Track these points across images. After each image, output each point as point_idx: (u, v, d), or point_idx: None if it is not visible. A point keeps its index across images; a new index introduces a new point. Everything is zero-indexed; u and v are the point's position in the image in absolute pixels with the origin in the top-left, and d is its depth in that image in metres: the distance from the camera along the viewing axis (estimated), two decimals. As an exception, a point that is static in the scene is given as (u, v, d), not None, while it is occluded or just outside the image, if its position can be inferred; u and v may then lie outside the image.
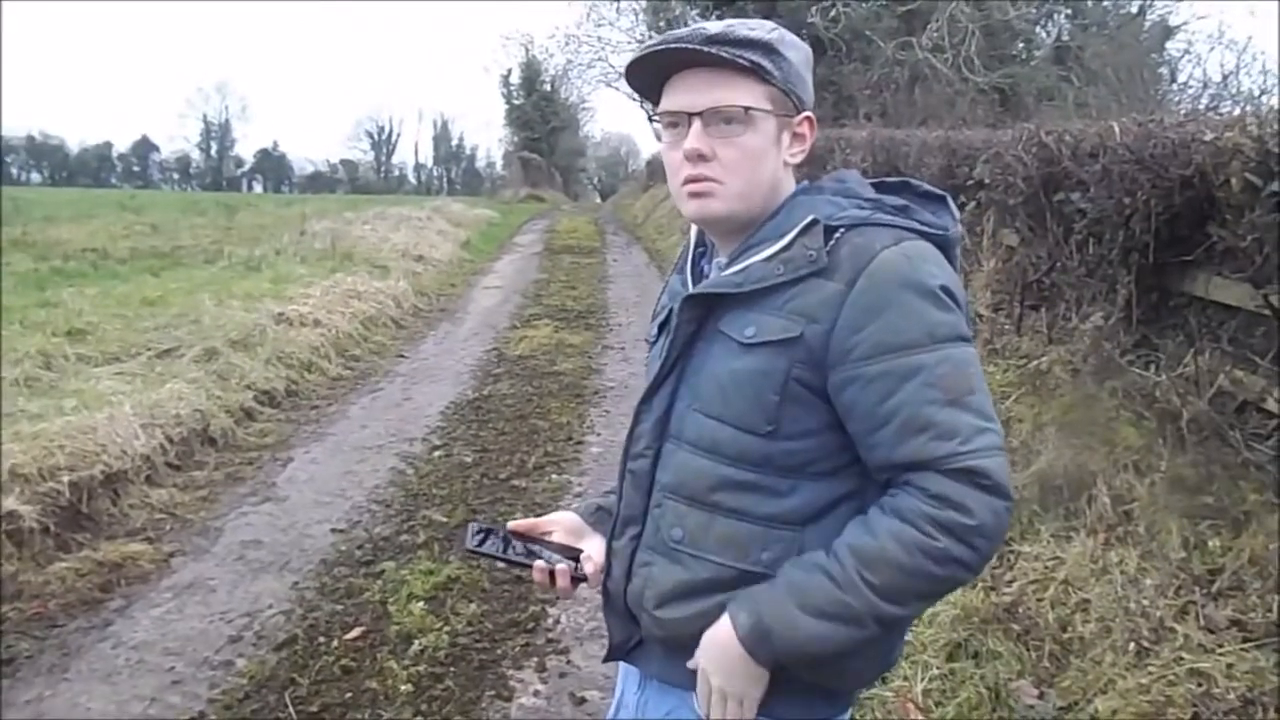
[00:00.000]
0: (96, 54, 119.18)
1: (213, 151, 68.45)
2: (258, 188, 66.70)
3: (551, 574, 1.22)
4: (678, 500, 1.13)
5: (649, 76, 1.14)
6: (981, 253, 5.26)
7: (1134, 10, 15.08)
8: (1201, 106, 4.26)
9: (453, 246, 13.76)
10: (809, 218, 1.07)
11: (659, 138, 1.17)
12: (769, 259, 1.08)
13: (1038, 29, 15.59)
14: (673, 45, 1.09)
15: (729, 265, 1.13)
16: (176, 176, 69.04)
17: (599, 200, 41.70)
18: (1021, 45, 15.24)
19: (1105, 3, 15.69)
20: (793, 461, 1.08)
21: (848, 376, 1.04)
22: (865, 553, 1.01)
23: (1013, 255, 4.88)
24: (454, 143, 68.31)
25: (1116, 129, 3.68)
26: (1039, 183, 4.25)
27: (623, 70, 1.26)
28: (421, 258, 11.81)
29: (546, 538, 1.25)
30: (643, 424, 1.18)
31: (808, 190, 1.15)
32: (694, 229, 1.25)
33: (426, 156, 69.78)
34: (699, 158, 1.09)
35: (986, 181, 4.94)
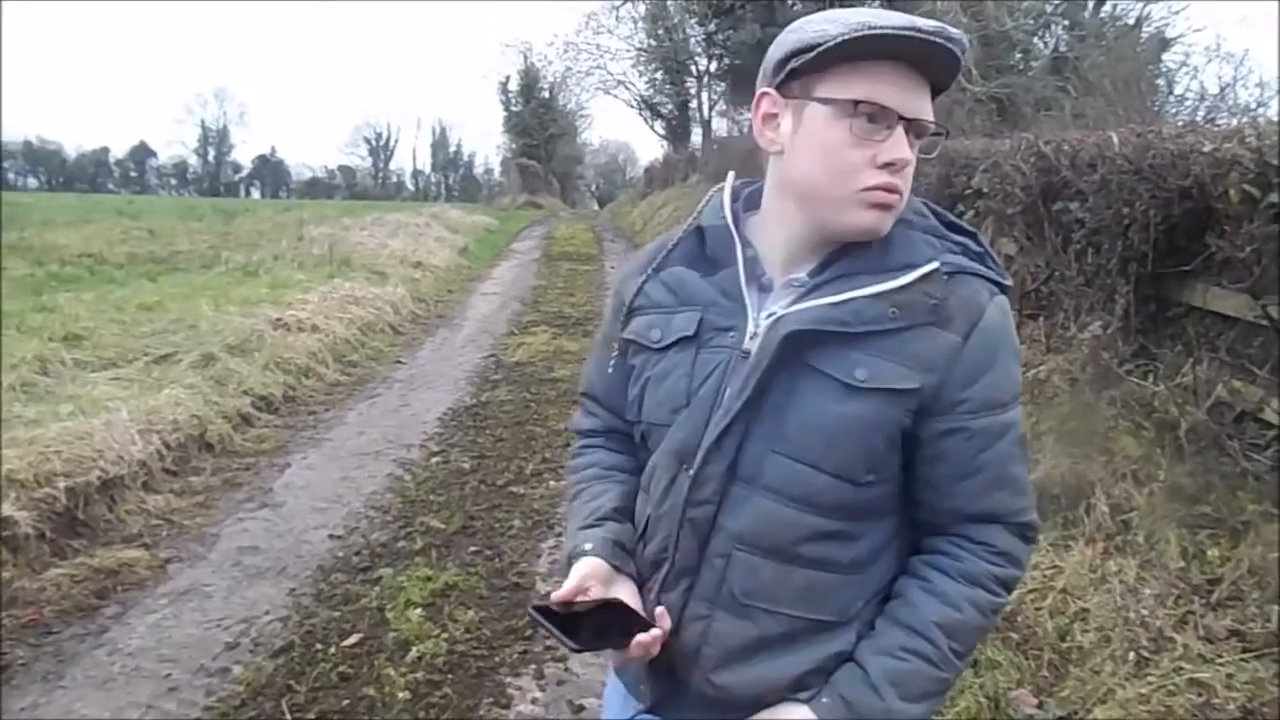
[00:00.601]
0: (94, 59, 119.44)
1: (210, 157, 68.48)
2: (255, 193, 66.79)
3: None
4: (752, 552, 1.03)
5: (833, 55, 0.97)
6: (979, 262, 5.27)
7: (1131, 22, 15.18)
8: (1199, 118, 4.28)
9: (450, 253, 13.77)
10: (931, 264, 1.01)
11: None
12: (878, 297, 1.00)
13: (1035, 39, 15.66)
14: (937, 39, 0.95)
15: (815, 290, 1.02)
16: (174, 182, 69.08)
17: (597, 207, 41.78)
18: (1019, 55, 15.31)
19: (1102, 14, 15.79)
20: (875, 507, 1.05)
21: (953, 427, 1.02)
22: (953, 627, 1.03)
23: (1011, 264, 4.89)
24: (452, 149, 68.44)
25: (1115, 139, 3.70)
26: (1037, 192, 4.27)
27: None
28: (419, 264, 11.82)
29: (587, 595, 1.07)
30: (711, 465, 1.03)
31: (895, 221, 1.05)
32: (730, 220, 1.10)
33: (424, 163, 69.89)
34: (903, 166, 1.00)
35: (985, 191, 4.96)
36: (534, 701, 2.70)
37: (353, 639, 2.99)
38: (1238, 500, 2.72)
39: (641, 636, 1.02)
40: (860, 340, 0.99)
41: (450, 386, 6.49)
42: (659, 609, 1.07)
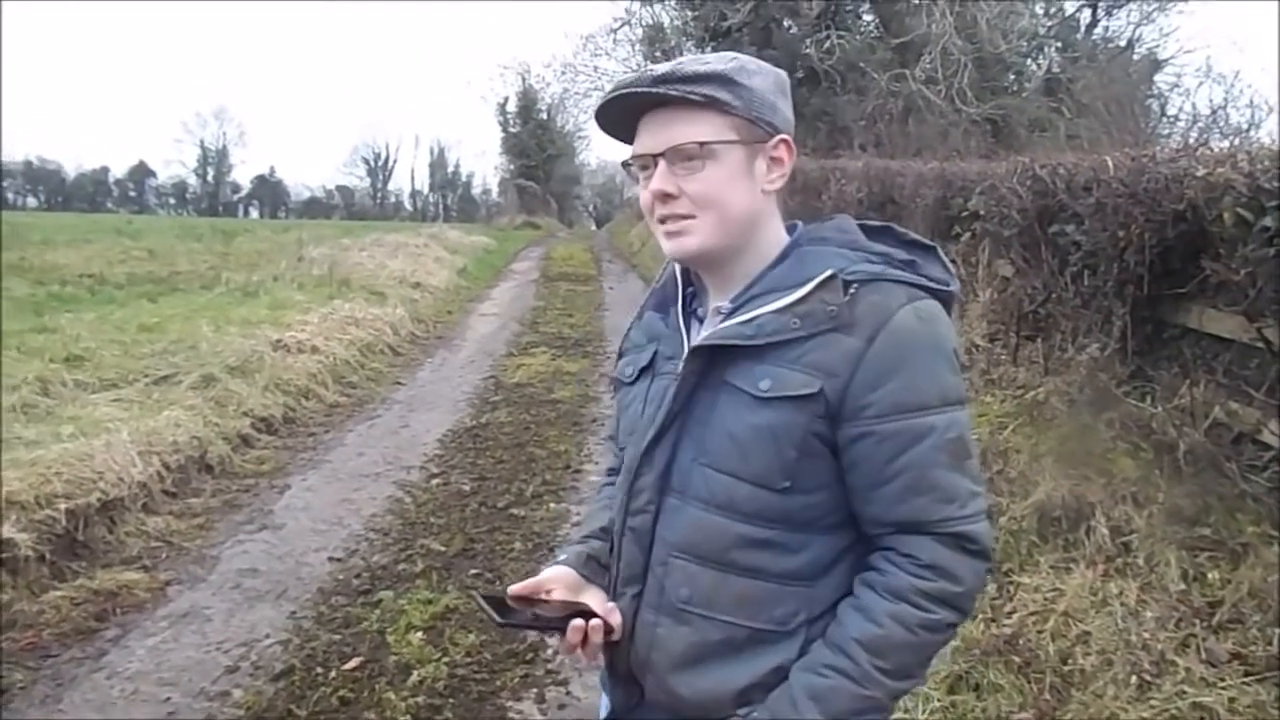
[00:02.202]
0: (94, 79, 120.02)
1: (209, 177, 68.57)
2: (254, 213, 66.85)
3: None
4: (687, 559, 1.09)
5: (620, 123, 1.13)
6: (977, 283, 5.31)
7: (1123, 44, 15.35)
8: (1191, 140, 4.33)
9: (449, 273, 13.80)
10: (826, 271, 1.06)
11: (637, 181, 1.16)
12: (782, 311, 1.05)
13: (1028, 61, 15.82)
14: (624, 91, 1.09)
15: (733, 313, 1.10)
16: (173, 202, 69.16)
17: (594, 228, 41.87)
18: (1013, 77, 15.47)
19: (1095, 36, 15.96)
20: (807, 516, 1.07)
21: (861, 432, 1.04)
22: (872, 643, 1.02)
23: (1008, 286, 4.93)
24: (450, 169, 68.56)
25: (1110, 163, 3.75)
26: (1034, 215, 4.30)
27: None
28: (419, 285, 11.84)
29: (549, 595, 1.16)
30: (644, 478, 1.13)
31: (811, 239, 1.14)
32: (677, 266, 1.22)
33: (422, 183, 69.98)
34: (666, 197, 1.09)
35: (981, 213, 5.00)
36: (535, 725, 2.70)
37: (353, 662, 2.98)
38: (1237, 522, 2.73)
39: (577, 621, 1.11)
40: (765, 352, 1.05)
41: (450, 408, 6.49)
42: (610, 604, 1.16)
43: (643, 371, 1.19)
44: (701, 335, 1.12)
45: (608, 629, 1.13)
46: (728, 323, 1.09)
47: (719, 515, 1.07)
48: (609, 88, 1.21)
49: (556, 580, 1.18)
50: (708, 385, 1.09)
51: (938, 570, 1.02)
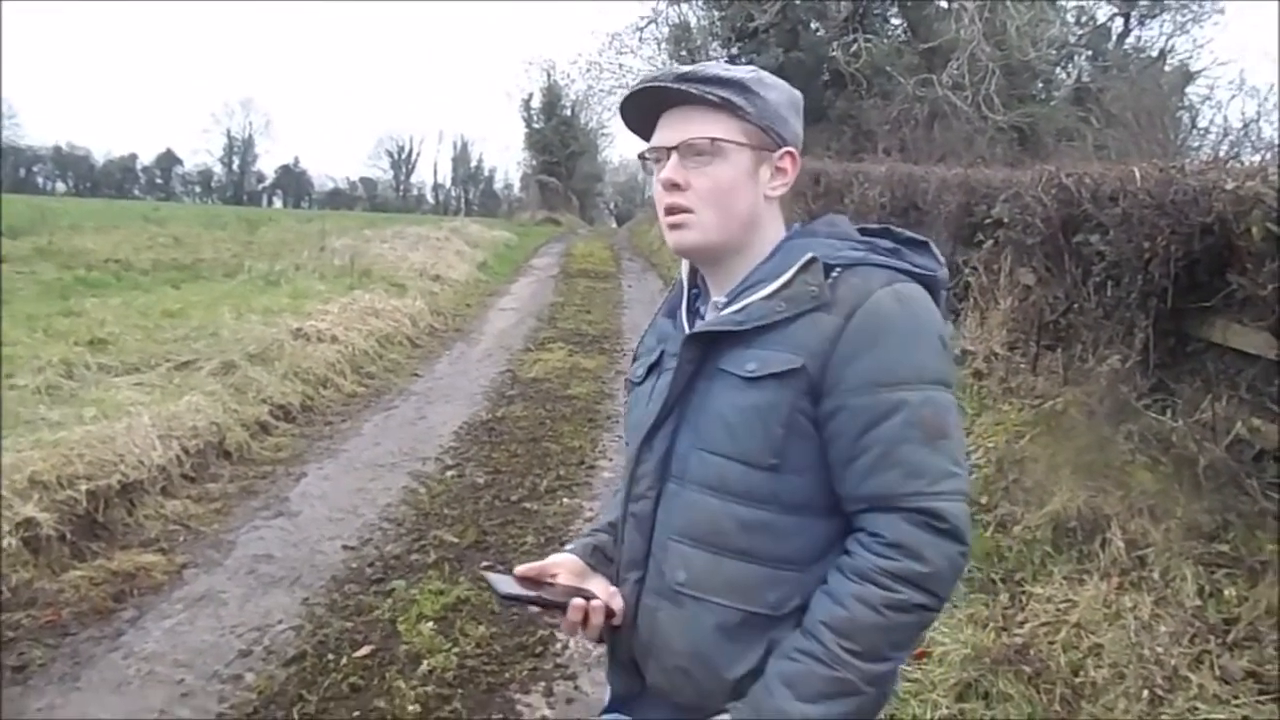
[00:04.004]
0: (124, 67, 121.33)
1: (235, 166, 69.20)
2: (278, 203, 67.37)
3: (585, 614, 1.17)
4: (684, 542, 1.12)
5: (641, 118, 1.20)
6: (998, 291, 5.27)
7: (1154, 54, 15.18)
8: (1222, 153, 4.28)
9: (469, 267, 13.87)
10: (807, 255, 1.11)
11: (652, 174, 1.22)
12: (769, 297, 1.11)
13: (1058, 70, 15.70)
14: (648, 85, 1.16)
15: (727, 305, 1.15)
16: (198, 189, 69.80)
17: (615, 225, 41.93)
18: (1041, 85, 15.34)
19: (1126, 45, 15.80)
20: (798, 498, 1.09)
21: (836, 406, 1.07)
22: (838, 625, 1.03)
23: (1029, 295, 4.89)
24: (473, 164, 68.82)
25: (1137, 174, 3.71)
26: (1058, 224, 4.27)
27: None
28: (439, 277, 11.91)
29: (553, 579, 1.20)
30: (644, 465, 1.17)
31: (801, 234, 1.19)
32: (685, 270, 1.27)
33: (445, 177, 70.34)
34: (673, 187, 1.14)
35: (1005, 220, 4.96)
36: (543, 719, 2.71)
37: (364, 650, 3.01)
38: (1256, 539, 2.70)
39: (577, 600, 1.15)
40: (753, 336, 1.10)
41: (466, 401, 6.53)
42: (614, 588, 1.20)
43: (650, 369, 1.24)
44: (696, 327, 1.17)
45: (609, 612, 1.16)
46: (721, 314, 1.15)
47: (712, 497, 1.10)
48: (634, 80, 1.26)
49: (562, 565, 1.22)
50: (703, 374, 1.14)
51: (902, 549, 1.02)
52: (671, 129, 1.16)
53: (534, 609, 1.18)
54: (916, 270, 1.12)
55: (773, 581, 1.09)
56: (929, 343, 1.08)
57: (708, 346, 1.13)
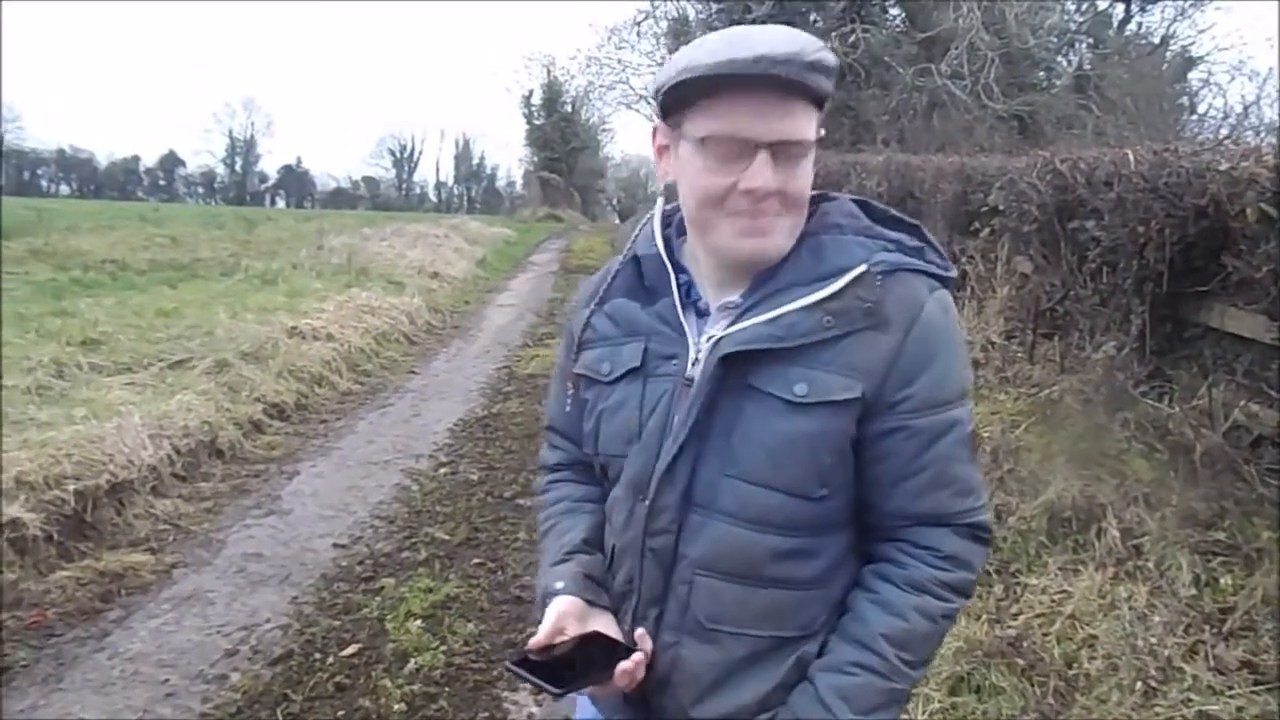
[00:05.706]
0: (127, 68, 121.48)
1: (237, 167, 69.34)
2: (280, 203, 67.52)
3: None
4: (712, 576, 1.03)
5: (689, 90, 0.98)
6: (995, 279, 5.22)
7: (1156, 40, 15.07)
8: (1222, 135, 4.22)
9: (468, 264, 13.84)
10: (860, 267, 1.00)
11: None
12: (811, 308, 0.99)
13: (1058, 58, 15.58)
14: (770, 71, 0.93)
15: (749, 310, 1.01)
16: (201, 191, 69.97)
17: (617, 221, 41.83)
18: (1041, 74, 15.23)
19: (1127, 32, 15.68)
20: (830, 520, 1.04)
21: (894, 426, 1.00)
22: (900, 638, 1.01)
23: (1026, 282, 4.84)
24: (475, 162, 68.88)
25: (1131, 157, 3.66)
26: (1053, 210, 4.22)
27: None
28: (437, 274, 11.88)
29: (563, 636, 1.06)
30: (665, 496, 1.03)
31: (824, 227, 1.05)
32: (660, 248, 1.10)
33: (447, 175, 70.47)
34: (773, 193, 0.98)
35: (1001, 208, 4.91)
36: (530, 718, 2.68)
37: (351, 649, 2.98)
38: (1253, 527, 2.66)
39: (624, 664, 1.02)
40: (797, 354, 0.99)
41: (462, 397, 6.49)
42: (639, 631, 1.07)
43: (630, 371, 1.08)
44: (720, 335, 1.02)
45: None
46: (748, 322, 1.00)
47: (747, 529, 1.01)
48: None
49: (567, 617, 1.07)
50: (729, 391, 1.01)
51: (957, 561, 1.03)
52: (761, 119, 0.96)
53: (590, 689, 1.07)
54: (942, 273, 1.05)
55: (804, 603, 1.04)
56: (964, 353, 1.06)
57: (731, 359, 1.00)
